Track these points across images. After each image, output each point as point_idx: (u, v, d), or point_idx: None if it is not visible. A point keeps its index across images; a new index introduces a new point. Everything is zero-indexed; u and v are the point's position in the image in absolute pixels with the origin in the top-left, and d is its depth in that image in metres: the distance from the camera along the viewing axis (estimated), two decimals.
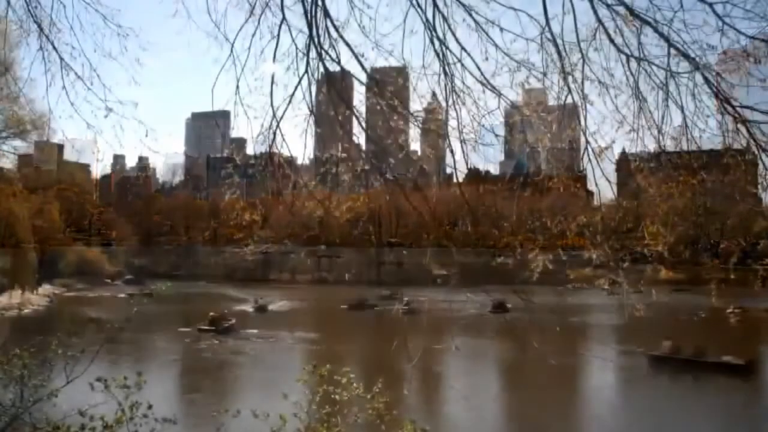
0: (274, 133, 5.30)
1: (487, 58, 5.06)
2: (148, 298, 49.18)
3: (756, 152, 5.04)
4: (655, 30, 4.86)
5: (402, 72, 5.78)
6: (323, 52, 5.07)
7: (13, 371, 7.15)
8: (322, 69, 5.19)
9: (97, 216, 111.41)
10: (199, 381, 30.81)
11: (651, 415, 24.80)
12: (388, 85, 5.66)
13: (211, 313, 48.18)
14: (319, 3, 5.01)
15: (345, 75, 5.45)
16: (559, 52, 5.06)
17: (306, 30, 5.05)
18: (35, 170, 53.08)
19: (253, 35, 5.10)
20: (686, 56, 4.88)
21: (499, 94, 5.18)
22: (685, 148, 5.34)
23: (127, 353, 29.86)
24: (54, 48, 6.03)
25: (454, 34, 5.05)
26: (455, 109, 5.24)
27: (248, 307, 60.15)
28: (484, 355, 34.84)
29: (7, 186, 46.10)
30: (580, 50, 5.09)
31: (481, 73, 5.12)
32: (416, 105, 5.61)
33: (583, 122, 5.43)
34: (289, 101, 5.19)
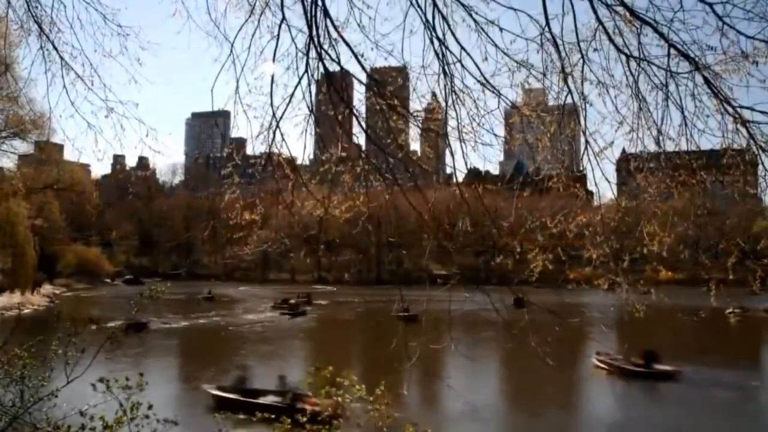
0: (274, 133, 5.30)
1: (486, 59, 5.06)
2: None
3: (756, 152, 5.05)
4: (655, 30, 4.86)
5: (402, 72, 5.78)
6: (323, 52, 5.07)
7: (13, 371, 7.14)
8: (321, 69, 5.19)
9: (97, 216, 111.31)
10: None
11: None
12: (388, 85, 5.66)
13: (291, 301, 65.30)
14: (319, 3, 5.01)
15: (345, 75, 5.45)
16: (558, 53, 5.07)
17: (306, 30, 5.05)
18: (35, 170, 52.86)
19: (253, 35, 5.09)
20: (686, 56, 4.88)
21: (499, 94, 5.18)
22: (684, 148, 5.35)
23: None
24: (54, 48, 6.03)
25: (453, 34, 5.05)
26: (455, 109, 5.24)
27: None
28: None
29: (7, 185, 45.94)
30: (580, 50, 5.09)
31: (481, 73, 5.11)
32: (416, 105, 5.61)
33: (582, 122, 5.44)
34: (289, 101, 5.18)
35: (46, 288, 79.90)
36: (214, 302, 73.08)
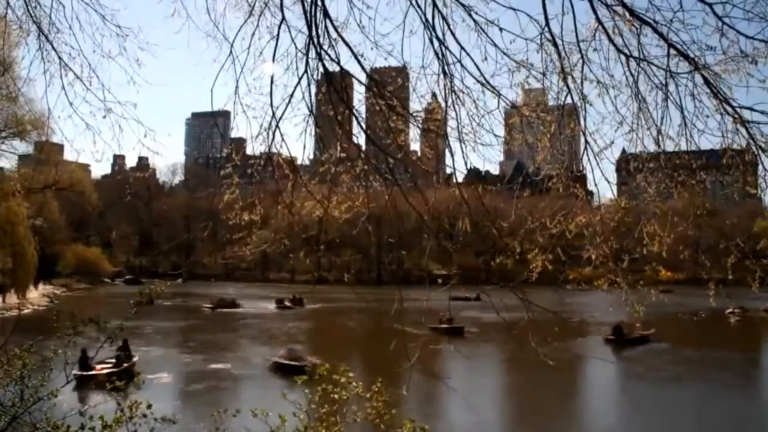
0: (274, 133, 5.30)
1: (486, 59, 5.05)
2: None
3: (756, 152, 5.04)
4: (655, 30, 4.86)
5: (402, 72, 5.78)
6: (323, 52, 5.07)
7: (13, 371, 7.13)
8: (321, 69, 5.19)
9: (97, 216, 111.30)
10: None
11: None
12: (388, 85, 5.65)
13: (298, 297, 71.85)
14: (319, 3, 5.01)
15: (345, 75, 5.44)
16: (558, 53, 5.06)
17: (305, 30, 5.05)
18: (35, 170, 52.85)
19: (253, 35, 5.08)
20: (686, 56, 4.88)
21: (499, 95, 5.17)
22: (684, 148, 5.35)
23: None
24: (53, 48, 6.01)
25: (453, 34, 5.05)
26: (455, 109, 5.23)
27: None
28: None
29: (6, 185, 45.94)
30: (580, 50, 5.09)
31: (481, 74, 5.10)
32: (416, 105, 5.61)
33: (582, 122, 5.43)
34: (289, 101, 5.18)
35: (46, 288, 79.89)
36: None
